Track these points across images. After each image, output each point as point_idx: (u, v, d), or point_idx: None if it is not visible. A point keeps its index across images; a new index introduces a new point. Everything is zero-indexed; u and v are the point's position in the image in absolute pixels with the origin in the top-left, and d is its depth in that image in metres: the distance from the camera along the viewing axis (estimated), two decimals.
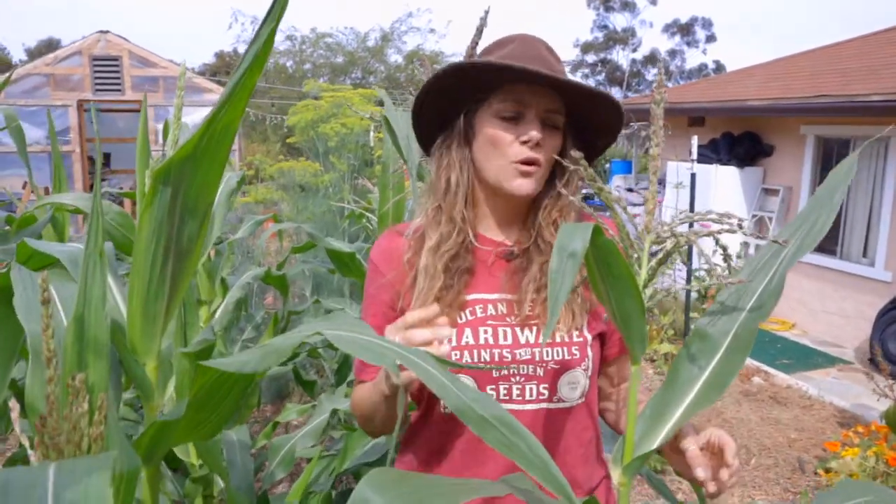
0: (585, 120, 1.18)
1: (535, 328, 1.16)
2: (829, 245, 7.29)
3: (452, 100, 1.18)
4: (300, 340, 0.75)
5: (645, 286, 0.91)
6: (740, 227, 0.90)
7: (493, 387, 1.15)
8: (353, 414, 1.24)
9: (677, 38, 37.59)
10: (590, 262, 0.83)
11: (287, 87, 18.03)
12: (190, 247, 0.88)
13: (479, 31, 1.50)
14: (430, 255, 1.17)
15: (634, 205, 9.27)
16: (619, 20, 36.45)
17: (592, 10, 36.77)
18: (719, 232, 0.87)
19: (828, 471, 3.48)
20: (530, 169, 1.13)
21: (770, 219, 7.74)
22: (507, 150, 1.13)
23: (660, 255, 0.90)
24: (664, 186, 8.57)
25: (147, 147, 0.97)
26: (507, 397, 1.15)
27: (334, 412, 2.07)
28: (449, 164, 1.19)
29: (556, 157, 1.13)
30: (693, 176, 5.86)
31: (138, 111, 10.28)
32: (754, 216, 7.93)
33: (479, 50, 1.38)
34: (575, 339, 1.16)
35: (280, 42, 19.89)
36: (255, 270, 2.57)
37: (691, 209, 5.83)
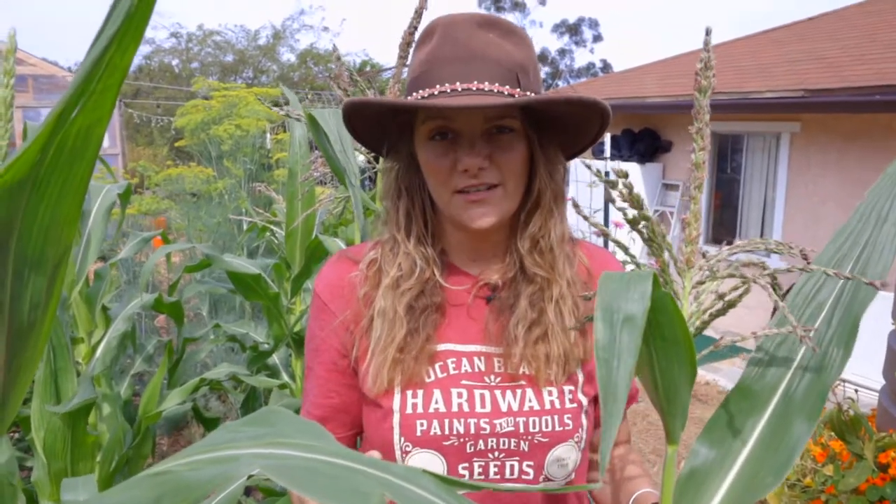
0: (552, 116, 0.91)
1: (518, 391, 0.91)
2: (727, 237, 7.49)
3: (380, 128, 0.94)
4: (218, 477, 0.47)
5: None
6: (805, 258, 0.68)
7: (467, 465, 0.90)
8: None
9: (566, 37, 38.59)
10: None
11: (174, 87, 17.07)
12: (34, 317, 0.58)
13: (419, 14, 1.25)
14: (388, 294, 0.92)
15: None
16: (509, 20, 36.90)
17: (483, 10, 37.20)
18: (793, 269, 0.65)
19: None
20: (482, 196, 0.88)
21: (671, 214, 7.88)
22: (446, 181, 0.89)
23: (705, 302, 0.67)
24: (568, 185, 8.60)
25: None
26: (483, 477, 0.91)
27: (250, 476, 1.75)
28: (398, 193, 0.95)
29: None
30: (607, 175, 5.81)
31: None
32: (656, 211, 8.06)
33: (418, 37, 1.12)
34: (568, 406, 0.92)
35: (164, 39, 18.85)
36: (142, 298, 2.20)
37: (606, 209, 5.79)
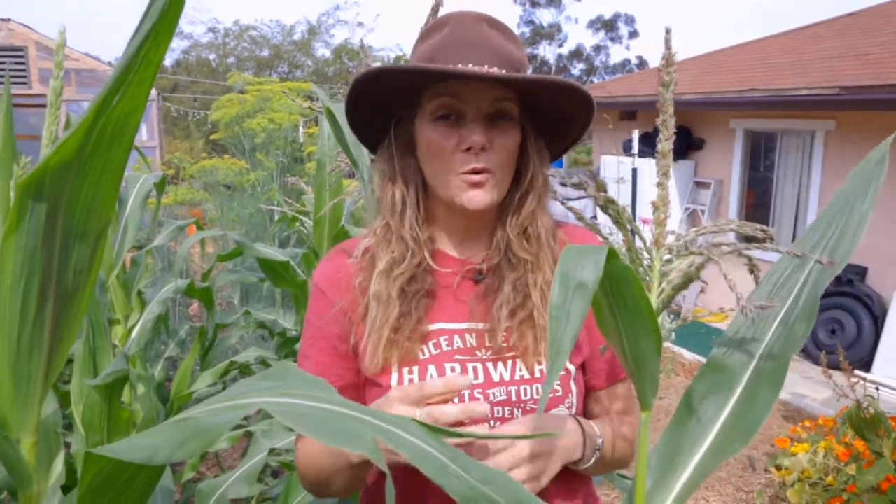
0: (545, 108, 0.98)
1: (509, 362, 0.98)
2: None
3: (383, 107, 0.99)
4: (236, 417, 0.54)
5: (656, 315, 0.74)
6: (771, 239, 0.74)
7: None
8: (299, 472, 1.02)
9: (602, 33, 38.23)
10: (598, 291, 0.65)
11: (211, 81, 17.36)
12: (78, 282, 0.65)
13: (435, 11, 1.31)
14: (382, 279, 0.98)
15: (568, 199, 9.25)
16: (545, 16, 36.64)
17: (519, 6, 36.99)
18: (751, 247, 0.70)
19: (779, 468, 3.44)
20: (480, 178, 0.94)
21: (702, 212, 7.82)
22: (449, 161, 0.94)
23: (674, 278, 0.73)
24: None
25: (10, 150, 0.74)
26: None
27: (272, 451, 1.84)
28: (392, 177, 1.00)
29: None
30: (634, 171, 5.82)
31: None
32: (687, 209, 8.00)
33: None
34: None
35: (202, 34, 19.19)
36: (176, 283, 2.30)
37: (633, 205, 5.79)
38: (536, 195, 0.99)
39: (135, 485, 0.64)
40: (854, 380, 2.57)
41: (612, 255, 0.57)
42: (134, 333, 2.21)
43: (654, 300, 0.73)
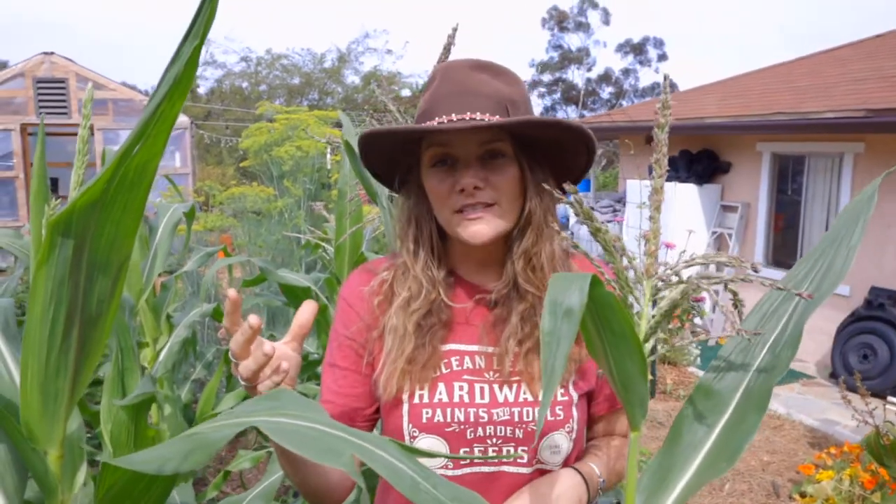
0: (542, 140, 1.02)
1: (514, 386, 1.03)
2: (787, 260, 7.35)
3: (392, 159, 1.08)
4: (234, 432, 0.60)
5: (646, 340, 0.78)
6: (755, 270, 0.78)
7: (468, 449, 1.02)
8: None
9: (630, 57, 38.22)
10: (584, 316, 0.70)
11: (243, 109, 17.76)
12: (101, 310, 0.72)
13: (447, 49, 1.38)
14: (399, 313, 1.04)
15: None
16: (573, 40, 36.74)
17: (547, 31, 37.19)
18: (734, 280, 0.75)
19: (803, 495, 3.40)
20: (478, 214, 1.00)
21: (729, 235, 7.78)
22: (447, 202, 1.01)
23: (663, 306, 0.78)
24: (625, 206, 8.57)
25: (43, 186, 0.82)
26: (482, 460, 1.02)
27: None
28: (408, 219, 1.08)
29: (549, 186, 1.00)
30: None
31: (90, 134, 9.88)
32: (714, 233, 7.96)
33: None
34: (559, 398, 1.03)
35: (235, 63, 19.68)
36: (202, 307, 2.39)
37: None
38: (536, 227, 1.03)
39: (149, 494, 0.70)
40: (873, 405, 2.56)
41: (595, 281, 0.62)
42: (162, 356, 2.29)
43: (645, 326, 0.77)
